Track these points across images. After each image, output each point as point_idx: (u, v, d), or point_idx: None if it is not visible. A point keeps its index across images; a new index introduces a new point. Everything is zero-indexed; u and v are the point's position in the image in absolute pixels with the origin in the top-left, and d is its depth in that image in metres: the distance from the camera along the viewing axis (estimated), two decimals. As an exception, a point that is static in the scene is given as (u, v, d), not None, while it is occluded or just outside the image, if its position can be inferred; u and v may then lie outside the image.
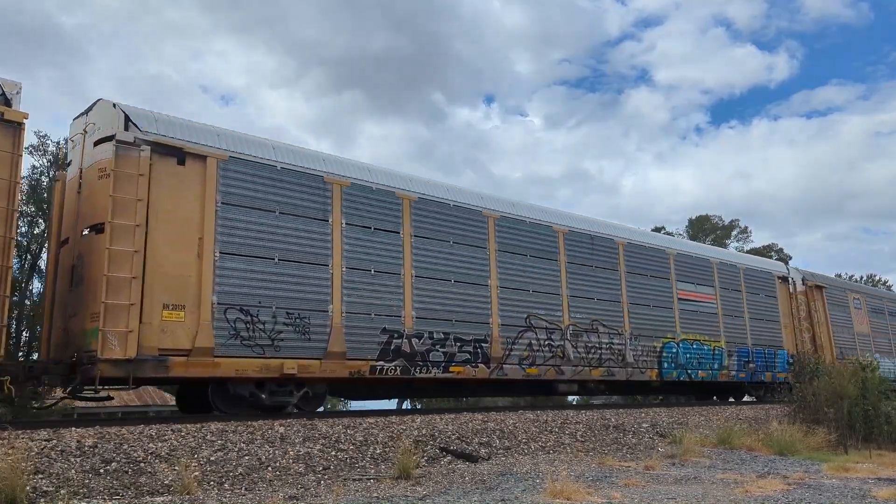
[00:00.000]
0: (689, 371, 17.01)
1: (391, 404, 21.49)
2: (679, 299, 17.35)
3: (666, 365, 16.44)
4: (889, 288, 50.10)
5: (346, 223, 11.55)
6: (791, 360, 19.91)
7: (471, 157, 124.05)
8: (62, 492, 6.27)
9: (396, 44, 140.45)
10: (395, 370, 11.61)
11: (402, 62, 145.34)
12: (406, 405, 24.62)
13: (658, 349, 16.34)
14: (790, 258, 51.83)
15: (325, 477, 7.85)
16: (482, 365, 12.82)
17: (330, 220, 11.36)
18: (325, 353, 10.77)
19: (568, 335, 14.45)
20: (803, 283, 21.91)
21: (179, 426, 8.32)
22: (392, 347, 11.63)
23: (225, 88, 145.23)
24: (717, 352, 17.98)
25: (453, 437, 9.91)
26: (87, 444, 7.25)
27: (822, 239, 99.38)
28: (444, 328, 12.44)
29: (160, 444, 7.63)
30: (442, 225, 13.01)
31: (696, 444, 11.00)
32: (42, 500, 6.15)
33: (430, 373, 12.09)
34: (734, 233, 53.44)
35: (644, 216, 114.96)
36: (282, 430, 8.76)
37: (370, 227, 11.89)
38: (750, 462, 10.23)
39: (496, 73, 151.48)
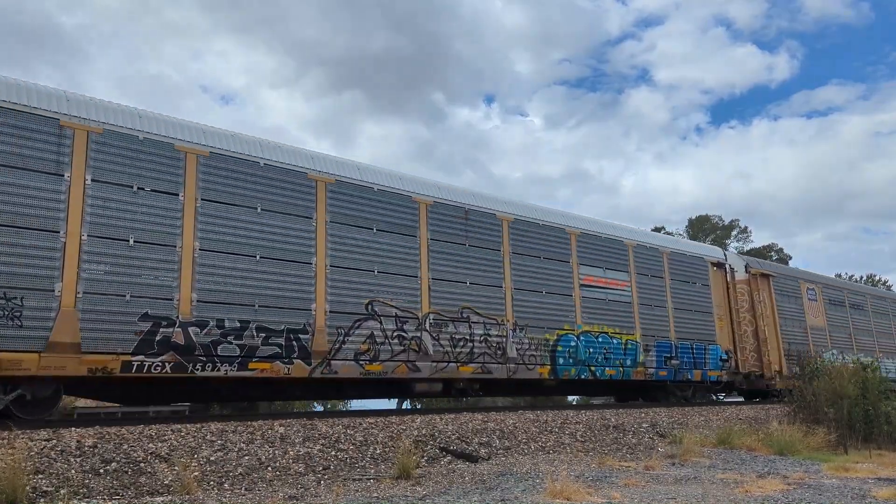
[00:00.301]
0: (594, 368, 14.88)
1: (391, 404, 21.50)
2: (582, 285, 15.09)
3: (562, 361, 14.26)
4: (889, 288, 50.05)
5: (93, 179, 9.23)
6: (726, 357, 18.23)
7: (471, 157, 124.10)
8: (62, 492, 6.27)
9: (396, 44, 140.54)
10: (164, 367, 9.39)
11: (402, 62, 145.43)
12: (406, 405, 24.61)
13: (552, 343, 14.18)
14: (790, 258, 51.95)
15: (325, 477, 7.85)
16: (300, 361, 10.52)
17: (67, 175, 9.01)
18: (48, 344, 8.52)
19: (427, 325, 12.18)
20: (746, 271, 19.84)
21: (179, 426, 8.32)
22: (158, 338, 9.37)
23: (225, 88, 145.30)
24: (630, 346, 15.80)
25: (453, 437, 9.91)
26: (87, 444, 7.25)
27: (822, 239, 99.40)
28: (241, 315, 10.14)
29: (160, 445, 7.64)
30: (246, 188, 10.59)
31: (695, 444, 11.00)
32: (42, 500, 6.15)
33: (219, 370, 9.84)
34: (734, 233, 53.54)
35: (644, 216, 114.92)
36: (282, 430, 8.77)
37: (132, 186, 9.55)
38: (750, 462, 10.23)
39: (496, 73, 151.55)
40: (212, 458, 7.63)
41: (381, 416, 10.71)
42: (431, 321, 12.35)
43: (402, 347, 11.87)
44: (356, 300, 11.50)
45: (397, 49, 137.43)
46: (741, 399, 21.85)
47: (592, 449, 10.82)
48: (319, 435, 8.89)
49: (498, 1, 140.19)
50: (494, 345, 13.18)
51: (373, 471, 8.27)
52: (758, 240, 64.70)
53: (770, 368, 19.23)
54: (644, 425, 12.67)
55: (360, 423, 9.64)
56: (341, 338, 11.16)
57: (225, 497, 6.63)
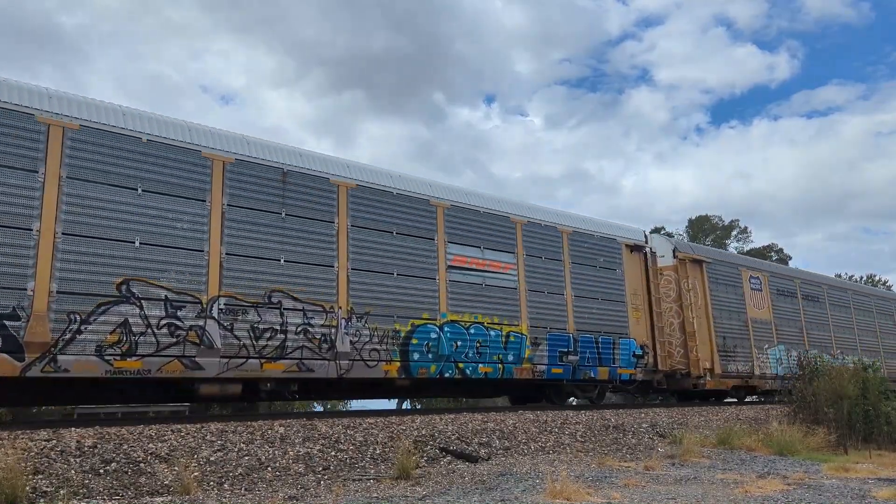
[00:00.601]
0: (462, 364, 12.56)
1: (391, 404, 21.48)
2: (450, 267, 12.75)
3: (417, 356, 11.93)
4: (889, 288, 49.99)
5: None
6: (641, 352, 15.88)
7: (471, 157, 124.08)
8: (62, 492, 6.27)
9: (396, 44, 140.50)
10: None
11: (402, 62, 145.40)
12: (406, 405, 24.63)
13: (404, 334, 11.85)
14: (790, 258, 51.96)
15: (325, 477, 7.86)
16: (4, 355, 8.29)
17: None
18: None
19: (214, 312, 9.87)
20: (674, 256, 17.67)
21: (179, 426, 8.33)
22: None
23: (225, 88, 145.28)
24: (513, 339, 13.47)
25: (453, 437, 9.91)
26: (86, 444, 7.25)
27: (823, 239, 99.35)
28: None
29: (160, 445, 7.64)
30: None
31: (695, 445, 11.00)
32: (42, 500, 6.16)
33: None
34: (734, 233, 53.59)
35: (644, 216, 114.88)
36: (281, 430, 8.77)
37: None
38: (750, 462, 10.23)
39: (496, 73, 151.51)
40: (212, 459, 7.64)
41: (381, 416, 10.71)
42: (222, 307, 9.97)
43: (174, 339, 9.48)
44: (102, 278, 9.07)
45: (397, 49, 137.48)
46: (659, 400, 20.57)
47: (592, 449, 10.82)
48: (319, 435, 8.89)
49: (498, 1, 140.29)
50: (319, 337, 10.79)
51: (373, 471, 8.27)
52: (758, 240, 64.77)
53: (698, 366, 17.16)
54: (644, 425, 12.67)
55: (360, 424, 9.64)
56: (75, 326, 8.81)
57: (225, 497, 6.63)
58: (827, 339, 22.40)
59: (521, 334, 13.66)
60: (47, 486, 6.38)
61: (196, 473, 7.05)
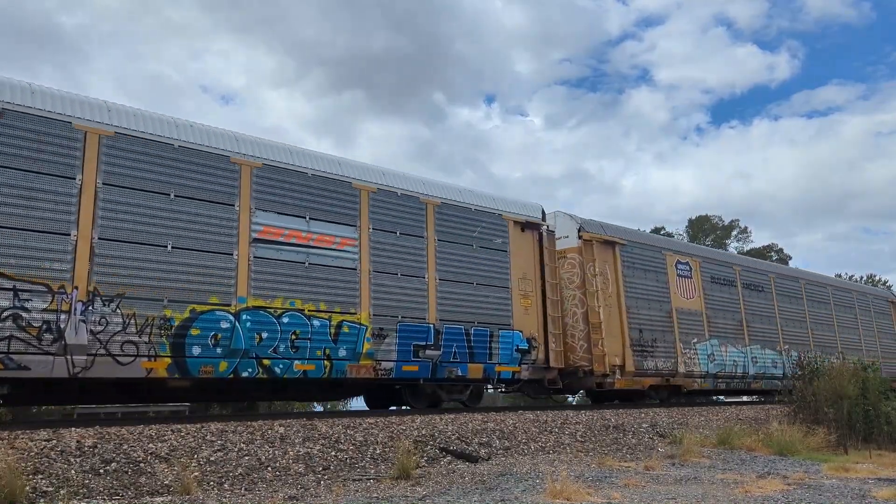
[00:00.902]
0: (268, 361, 10.25)
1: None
2: (255, 240, 10.41)
3: (199, 351, 9.66)
4: (889, 288, 49.90)
5: None
6: (528, 346, 13.58)
7: (471, 157, 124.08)
8: (62, 492, 6.27)
9: (396, 44, 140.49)
10: None
11: (402, 62, 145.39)
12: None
13: (178, 322, 9.53)
14: (790, 258, 51.95)
15: (325, 477, 7.85)
16: None
17: None
18: None
19: None
20: (579, 237, 15.50)
21: (179, 426, 8.32)
22: None
23: (225, 88, 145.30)
24: (347, 330, 11.07)
25: (453, 437, 9.91)
26: (86, 444, 7.25)
27: (823, 239, 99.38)
28: None
29: (160, 445, 7.64)
30: None
31: (695, 445, 11.01)
32: (42, 500, 6.15)
33: None
34: (734, 233, 53.60)
35: (644, 216, 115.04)
36: (281, 430, 8.77)
37: None
38: (750, 462, 10.23)
39: (496, 73, 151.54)
40: (212, 459, 7.63)
41: (381, 416, 10.70)
42: None
43: None
44: None
45: (397, 49, 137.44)
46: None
47: (592, 449, 10.82)
48: (319, 435, 8.89)
49: (498, 1, 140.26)
50: (39, 324, 8.45)
51: (373, 471, 8.27)
52: (758, 240, 64.83)
53: (604, 362, 14.90)
54: (644, 425, 12.67)
55: (360, 424, 9.64)
56: None
57: (225, 497, 6.63)
58: (772, 332, 20.19)
59: (360, 324, 11.24)
60: (47, 486, 6.38)
61: (196, 473, 7.05)
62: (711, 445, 11.74)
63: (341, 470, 8.17)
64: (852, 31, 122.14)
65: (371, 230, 11.78)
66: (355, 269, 11.44)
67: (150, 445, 7.57)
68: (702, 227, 53.20)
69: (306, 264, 10.91)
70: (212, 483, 7.17)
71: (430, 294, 12.31)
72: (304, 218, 11.03)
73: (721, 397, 22.86)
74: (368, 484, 7.58)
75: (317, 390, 12.50)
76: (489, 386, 13.99)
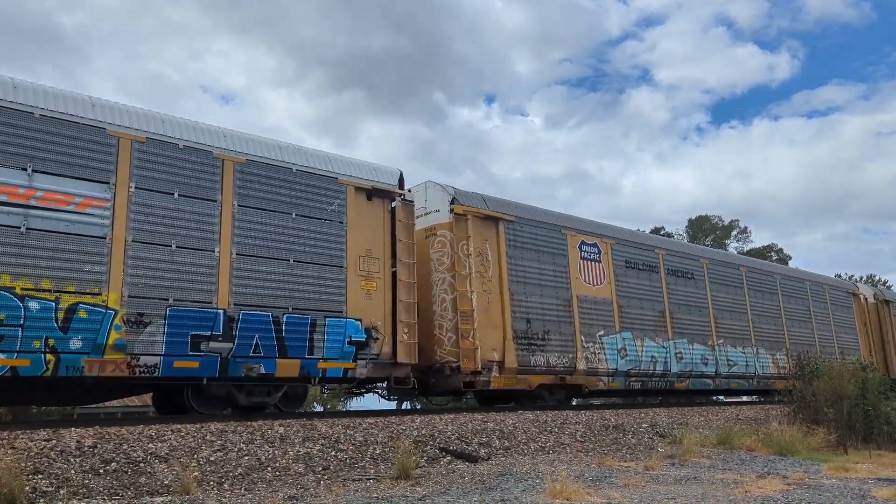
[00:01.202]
0: None
1: (391, 404, 21.45)
2: None
3: None
4: (889, 288, 49.88)
5: None
6: (366, 338, 11.29)
7: (471, 157, 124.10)
8: (62, 492, 6.27)
9: (396, 44, 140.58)
10: None
11: (402, 62, 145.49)
12: (406, 405, 24.63)
13: None
14: (790, 258, 51.95)
15: (325, 477, 7.85)
16: None
17: None
18: None
19: None
20: (451, 210, 13.29)
21: (179, 426, 8.32)
22: None
23: (225, 88, 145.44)
24: (83, 314, 8.79)
25: (453, 437, 9.91)
26: (86, 444, 7.25)
27: (823, 239, 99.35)
28: None
29: (160, 445, 7.64)
30: None
31: (695, 445, 11.01)
32: (42, 500, 6.15)
33: None
34: (734, 233, 53.61)
35: (644, 216, 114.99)
36: (281, 430, 8.77)
37: None
38: (750, 462, 10.23)
39: (496, 73, 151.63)
40: (211, 459, 7.63)
41: (381, 416, 10.70)
42: None
43: None
44: None
45: (397, 49, 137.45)
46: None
47: (592, 449, 10.82)
48: (319, 435, 8.89)
49: (498, 1, 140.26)
50: None
51: (372, 471, 8.27)
52: (758, 240, 64.90)
53: (475, 358, 12.67)
54: (644, 425, 12.67)
55: (360, 424, 9.64)
56: None
57: (225, 497, 6.63)
58: (704, 325, 17.91)
59: (105, 308, 8.98)
60: (47, 486, 6.38)
61: (196, 473, 7.05)
62: (711, 445, 11.74)
63: (341, 470, 8.17)
64: (852, 31, 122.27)
65: (134, 189, 9.51)
66: (104, 238, 9.16)
67: (150, 445, 7.57)
68: (702, 228, 53.20)
69: (22, 229, 8.58)
70: (212, 483, 7.17)
71: (223, 272, 10.03)
72: (26, 170, 8.72)
73: (721, 397, 22.43)
74: (368, 484, 7.58)
75: (43, 392, 9.65)
76: (311, 384, 11.38)
